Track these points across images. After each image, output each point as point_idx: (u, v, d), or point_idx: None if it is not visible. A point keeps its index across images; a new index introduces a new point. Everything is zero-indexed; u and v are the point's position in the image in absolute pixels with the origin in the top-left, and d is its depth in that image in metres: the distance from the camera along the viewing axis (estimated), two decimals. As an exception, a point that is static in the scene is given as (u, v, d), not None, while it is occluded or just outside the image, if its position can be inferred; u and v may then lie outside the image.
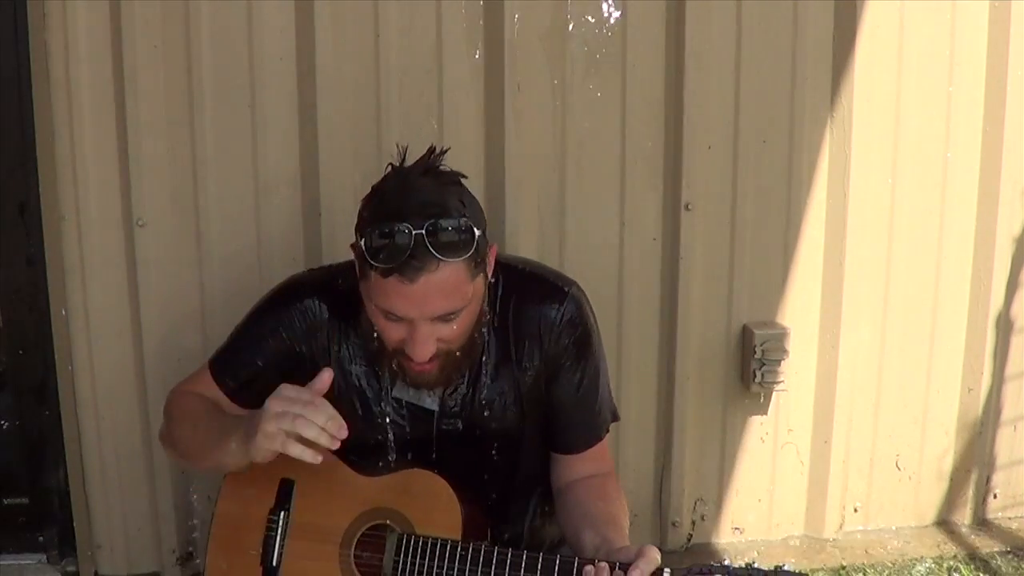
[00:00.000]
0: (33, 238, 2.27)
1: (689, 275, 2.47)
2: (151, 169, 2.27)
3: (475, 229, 1.49)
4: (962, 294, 2.63)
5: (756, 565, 1.38)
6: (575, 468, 1.75)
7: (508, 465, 1.75)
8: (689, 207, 2.44)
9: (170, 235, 2.30)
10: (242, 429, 1.51)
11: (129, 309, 2.33)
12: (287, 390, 1.46)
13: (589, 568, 1.42)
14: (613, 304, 2.47)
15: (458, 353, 1.58)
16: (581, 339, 1.71)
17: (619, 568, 1.41)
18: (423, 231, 1.45)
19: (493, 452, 1.73)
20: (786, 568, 1.38)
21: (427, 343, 1.52)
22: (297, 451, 1.43)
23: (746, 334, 2.53)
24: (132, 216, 2.27)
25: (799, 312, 2.56)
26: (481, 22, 2.31)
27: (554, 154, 2.40)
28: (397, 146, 1.60)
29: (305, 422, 1.42)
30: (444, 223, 1.47)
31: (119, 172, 2.27)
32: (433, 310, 1.50)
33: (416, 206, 1.48)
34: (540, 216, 2.41)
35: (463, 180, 1.59)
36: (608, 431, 1.79)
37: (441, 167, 1.58)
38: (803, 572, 1.41)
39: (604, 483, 1.73)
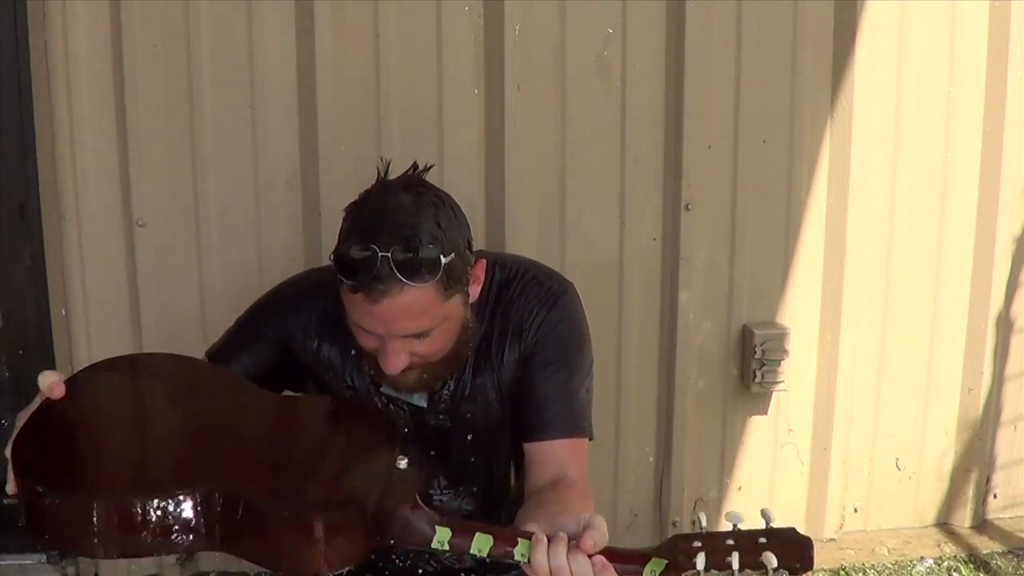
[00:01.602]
0: (33, 238, 2.28)
1: (689, 275, 2.48)
2: (151, 169, 2.27)
3: (442, 257, 1.47)
4: (962, 294, 2.63)
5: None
6: (547, 458, 1.63)
7: (494, 456, 1.75)
8: (689, 207, 2.44)
9: (170, 235, 2.31)
10: None
11: (129, 309, 2.33)
12: None
13: (540, 535, 1.27)
14: (613, 304, 2.47)
15: (437, 360, 1.57)
16: (563, 336, 1.68)
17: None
18: (389, 254, 1.44)
19: (479, 445, 1.73)
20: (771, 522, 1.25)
21: (398, 356, 1.51)
22: None
23: (746, 334, 2.53)
24: (132, 216, 2.27)
25: (799, 312, 2.56)
26: (481, 22, 2.32)
27: (554, 154, 2.40)
28: (381, 159, 1.60)
29: None
30: (412, 247, 1.45)
31: (119, 172, 2.27)
32: (400, 330, 1.49)
33: (389, 226, 1.47)
34: (540, 216, 2.42)
35: (446, 199, 1.56)
36: (585, 437, 1.67)
37: (423, 185, 1.56)
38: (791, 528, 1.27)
39: (568, 483, 1.60)
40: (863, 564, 2.60)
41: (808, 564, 1.20)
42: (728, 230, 2.49)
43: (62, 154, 2.24)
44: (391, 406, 1.70)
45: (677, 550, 1.21)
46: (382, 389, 1.69)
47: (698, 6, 2.36)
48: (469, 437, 1.72)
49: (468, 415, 1.70)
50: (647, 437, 2.58)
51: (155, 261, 2.31)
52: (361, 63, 2.29)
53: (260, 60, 2.26)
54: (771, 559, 1.19)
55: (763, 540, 1.21)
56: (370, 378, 1.67)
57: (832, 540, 2.68)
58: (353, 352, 1.67)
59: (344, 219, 1.56)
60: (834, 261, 2.54)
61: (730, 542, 1.21)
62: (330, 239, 2.30)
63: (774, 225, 2.51)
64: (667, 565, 1.21)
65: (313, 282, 1.77)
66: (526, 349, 1.67)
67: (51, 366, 2.33)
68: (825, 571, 2.56)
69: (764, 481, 2.65)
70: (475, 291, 1.61)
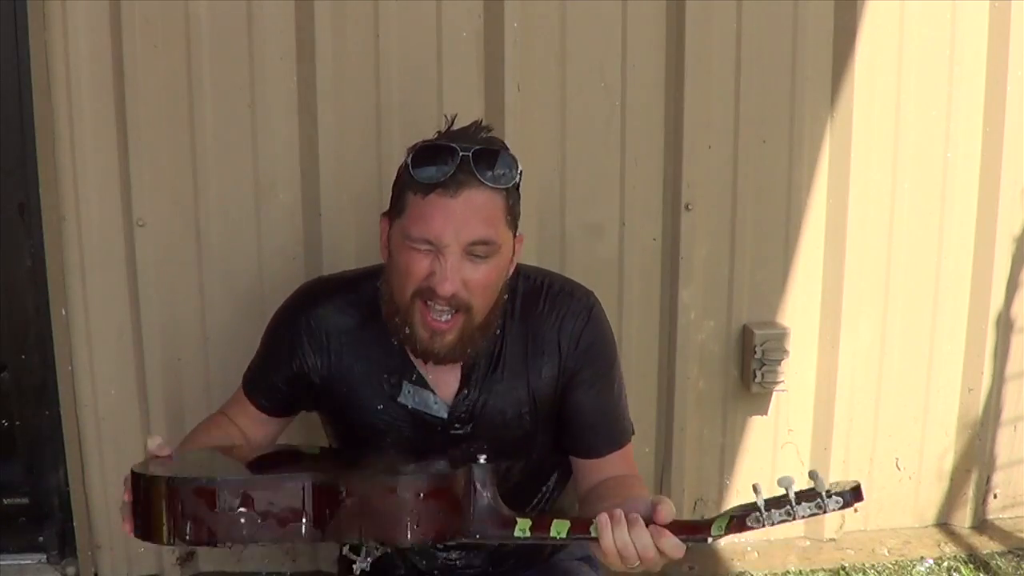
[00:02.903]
0: (33, 238, 2.27)
1: (689, 275, 2.48)
2: (151, 169, 2.27)
3: (519, 166, 1.55)
4: (962, 294, 2.63)
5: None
6: (598, 471, 1.73)
7: (517, 469, 1.75)
8: (689, 207, 2.44)
9: (170, 235, 2.30)
10: None
11: (129, 309, 2.33)
12: None
13: (603, 517, 1.38)
14: (613, 304, 2.46)
15: (476, 321, 1.57)
16: (601, 351, 1.71)
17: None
18: (470, 153, 1.51)
19: (504, 455, 1.72)
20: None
21: (455, 275, 1.51)
22: None
23: (746, 334, 2.53)
24: (132, 216, 2.27)
25: (799, 312, 2.56)
26: (481, 22, 2.31)
27: (554, 154, 2.40)
28: (446, 116, 1.65)
29: None
30: (493, 150, 1.54)
31: (119, 172, 2.27)
32: (469, 233, 1.50)
33: (467, 135, 1.57)
34: (540, 216, 2.41)
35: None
36: (630, 440, 1.77)
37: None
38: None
39: (624, 480, 1.70)
40: (863, 564, 2.60)
41: (858, 494, 1.29)
42: (728, 230, 2.49)
43: (62, 154, 2.24)
44: (408, 419, 1.69)
45: (737, 508, 1.37)
46: (399, 399, 1.68)
47: (698, 6, 2.36)
48: (494, 447, 1.71)
49: (493, 425, 1.69)
50: (647, 437, 2.58)
51: (155, 261, 2.30)
52: (361, 63, 2.29)
53: (260, 60, 2.26)
54: (820, 479, 1.30)
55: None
56: (397, 381, 1.66)
57: (832, 540, 2.68)
58: (371, 358, 1.67)
59: (408, 157, 1.58)
60: (834, 261, 2.53)
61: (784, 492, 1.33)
62: (330, 239, 2.32)
63: (774, 225, 2.51)
64: (731, 519, 1.35)
65: (317, 293, 1.76)
66: (566, 366, 1.68)
67: (51, 366, 2.33)
68: (825, 571, 2.56)
69: (764, 481, 2.62)
70: (511, 268, 1.63)
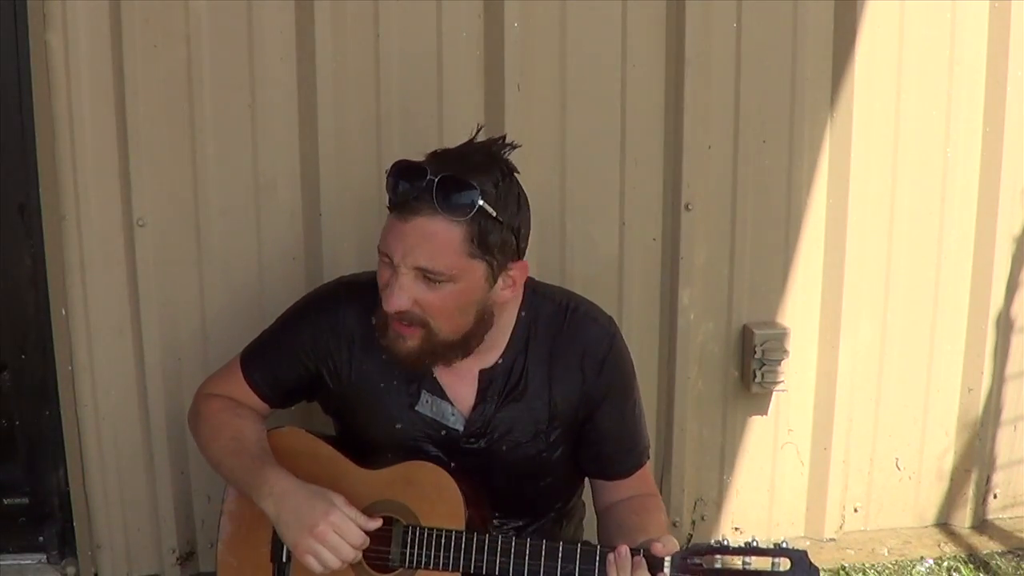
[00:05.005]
0: (33, 238, 2.27)
1: (689, 275, 2.47)
2: (151, 169, 2.26)
3: (482, 203, 1.50)
4: (962, 294, 2.63)
5: (756, 543, 1.45)
6: (618, 491, 1.78)
7: (530, 486, 1.76)
8: (689, 207, 2.44)
9: (170, 235, 2.30)
10: (270, 499, 1.55)
11: (129, 309, 2.32)
12: (345, 532, 1.51)
13: (611, 555, 1.48)
14: (613, 304, 2.46)
15: (441, 338, 1.57)
16: (623, 373, 1.75)
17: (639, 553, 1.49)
18: (436, 179, 1.48)
19: (516, 473, 1.73)
20: (785, 545, 1.45)
21: (401, 293, 1.52)
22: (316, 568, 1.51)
23: (746, 334, 2.53)
24: (132, 216, 2.27)
25: (799, 312, 2.55)
26: (481, 22, 2.31)
27: (554, 154, 2.40)
28: (478, 124, 1.67)
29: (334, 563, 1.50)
30: (459, 182, 1.49)
31: (119, 172, 2.26)
32: (414, 259, 1.51)
33: (450, 160, 1.54)
34: (540, 216, 2.40)
35: (519, 184, 1.62)
36: (648, 456, 1.82)
37: (505, 159, 1.61)
38: (803, 549, 1.46)
39: (644, 501, 1.76)
40: (863, 564, 2.60)
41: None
42: (728, 230, 2.49)
43: (62, 154, 2.24)
44: (424, 428, 1.69)
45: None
46: (417, 408, 1.68)
47: (698, 6, 2.36)
48: (507, 463, 1.71)
49: (507, 442, 1.70)
50: (647, 437, 2.58)
51: (155, 261, 2.30)
52: (361, 63, 2.29)
53: (260, 60, 2.26)
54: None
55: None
56: (416, 392, 1.68)
57: (832, 540, 2.68)
58: (391, 364, 1.67)
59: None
60: (834, 261, 2.53)
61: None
62: (330, 239, 2.31)
63: (774, 225, 2.51)
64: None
65: (341, 297, 1.76)
66: (588, 392, 1.71)
67: (51, 366, 2.33)
68: (825, 571, 2.56)
69: (764, 481, 2.65)
70: (507, 295, 1.62)
